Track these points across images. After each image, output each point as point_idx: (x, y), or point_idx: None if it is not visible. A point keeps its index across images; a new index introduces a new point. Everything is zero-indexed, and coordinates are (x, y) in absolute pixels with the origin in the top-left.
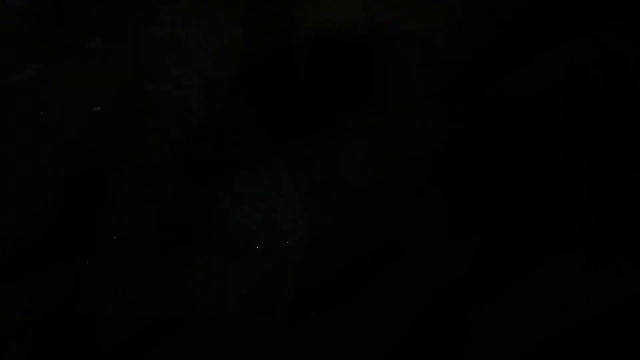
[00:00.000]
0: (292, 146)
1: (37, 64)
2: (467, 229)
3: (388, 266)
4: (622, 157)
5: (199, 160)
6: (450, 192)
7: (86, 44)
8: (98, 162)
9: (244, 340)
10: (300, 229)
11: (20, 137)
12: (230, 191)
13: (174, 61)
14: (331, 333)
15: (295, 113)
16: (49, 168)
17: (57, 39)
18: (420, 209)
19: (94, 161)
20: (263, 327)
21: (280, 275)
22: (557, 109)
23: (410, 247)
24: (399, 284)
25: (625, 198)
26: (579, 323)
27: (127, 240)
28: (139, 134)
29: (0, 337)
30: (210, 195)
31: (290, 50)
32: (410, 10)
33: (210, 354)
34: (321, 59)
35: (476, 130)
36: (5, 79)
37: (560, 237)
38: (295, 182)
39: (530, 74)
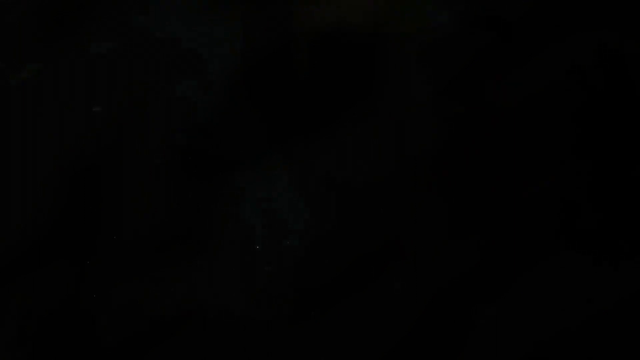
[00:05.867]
0: (293, 146)
1: (37, 64)
2: (468, 229)
3: (389, 266)
4: (622, 157)
5: (199, 160)
6: (451, 192)
7: (86, 44)
8: (98, 162)
9: (244, 340)
10: (301, 228)
11: (20, 137)
12: (231, 191)
13: (174, 61)
14: (332, 333)
15: (296, 113)
16: (50, 168)
17: (57, 39)
18: (421, 209)
19: (94, 161)
20: (264, 326)
21: (281, 275)
22: (557, 108)
23: (410, 247)
24: (400, 284)
25: (625, 198)
26: (580, 323)
27: (127, 240)
28: (139, 134)
29: (0, 337)
30: (211, 195)
31: (291, 50)
32: (410, 10)
33: (211, 354)
34: (321, 59)
35: (476, 130)
36: (5, 79)
37: (560, 237)
38: (295, 182)
39: (530, 74)
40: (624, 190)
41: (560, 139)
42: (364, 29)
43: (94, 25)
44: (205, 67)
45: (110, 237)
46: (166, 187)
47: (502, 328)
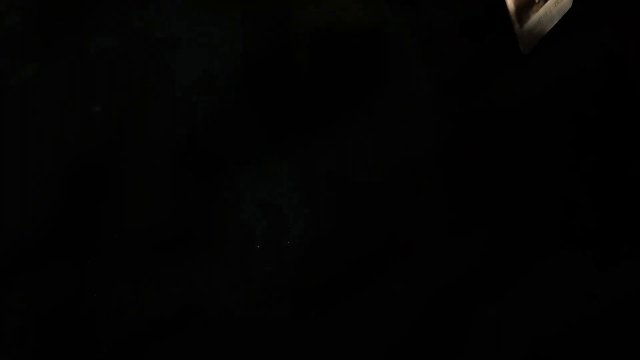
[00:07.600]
0: (293, 145)
1: (36, 64)
2: (468, 228)
3: (389, 265)
4: (622, 157)
5: (200, 159)
6: (451, 191)
7: (86, 43)
8: (98, 162)
9: (244, 339)
10: (301, 228)
11: (20, 136)
12: (231, 190)
13: (174, 61)
14: (332, 332)
15: (296, 112)
16: (50, 167)
17: (57, 39)
18: (421, 208)
19: (95, 160)
20: (264, 326)
21: (281, 275)
22: (558, 108)
23: (411, 247)
24: (400, 283)
25: (625, 198)
26: (580, 322)
27: (128, 240)
28: (139, 134)
29: (0, 337)
30: (211, 195)
31: (290, 50)
32: (409, 9)
33: (211, 354)
34: (321, 58)
35: (476, 129)
36: (4, 79)
37: (561, 237)
38: (295, 181)
39: (531, 74)
40: (624, 190)
41: (560, 139)
42: (364, 28)
43: (94, 24)
44: (205, 67)
45: (111, 237)
46: (166, 187)
47: (502, 328)
